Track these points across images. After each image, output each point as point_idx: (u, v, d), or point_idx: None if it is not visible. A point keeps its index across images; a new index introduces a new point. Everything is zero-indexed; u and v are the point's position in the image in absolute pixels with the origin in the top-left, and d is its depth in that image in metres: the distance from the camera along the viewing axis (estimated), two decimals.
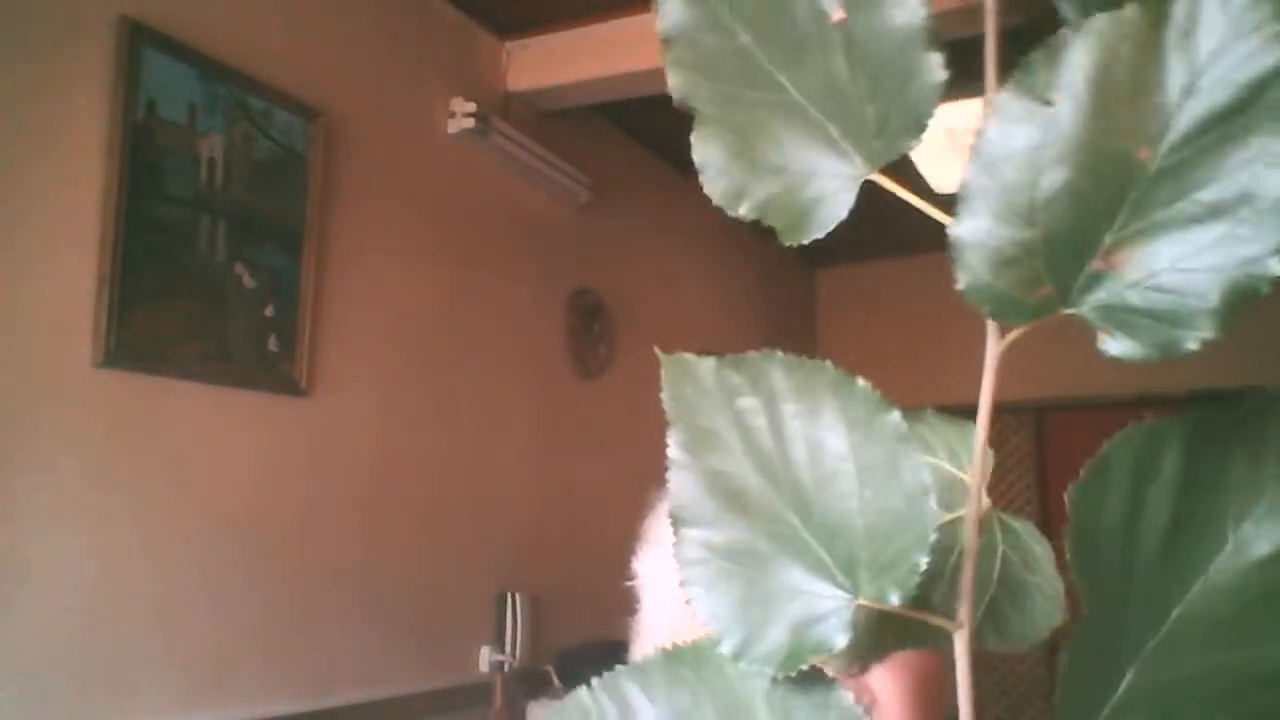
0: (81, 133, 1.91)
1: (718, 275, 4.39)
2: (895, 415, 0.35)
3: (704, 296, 4.25)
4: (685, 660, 0.38)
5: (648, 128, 3.67)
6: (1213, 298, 0.30)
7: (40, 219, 1.84)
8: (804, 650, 0.35)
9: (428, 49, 2.84)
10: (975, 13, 0.34)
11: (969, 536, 0.35)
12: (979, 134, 0.33)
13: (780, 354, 0.38)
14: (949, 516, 0.42)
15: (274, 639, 2.24)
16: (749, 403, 0.38)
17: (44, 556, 1.81)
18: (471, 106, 2.84)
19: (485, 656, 2.84)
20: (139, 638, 1.95)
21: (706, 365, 0.39)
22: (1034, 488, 4.68)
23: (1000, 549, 0.41)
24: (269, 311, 2.26)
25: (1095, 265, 0.32)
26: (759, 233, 4.97)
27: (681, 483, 0.38)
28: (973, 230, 0.33)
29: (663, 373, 0.40)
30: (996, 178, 0.32)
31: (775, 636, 0.36)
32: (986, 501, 0.41)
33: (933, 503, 0.34)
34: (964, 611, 0.35)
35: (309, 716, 2.29)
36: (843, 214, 0.36)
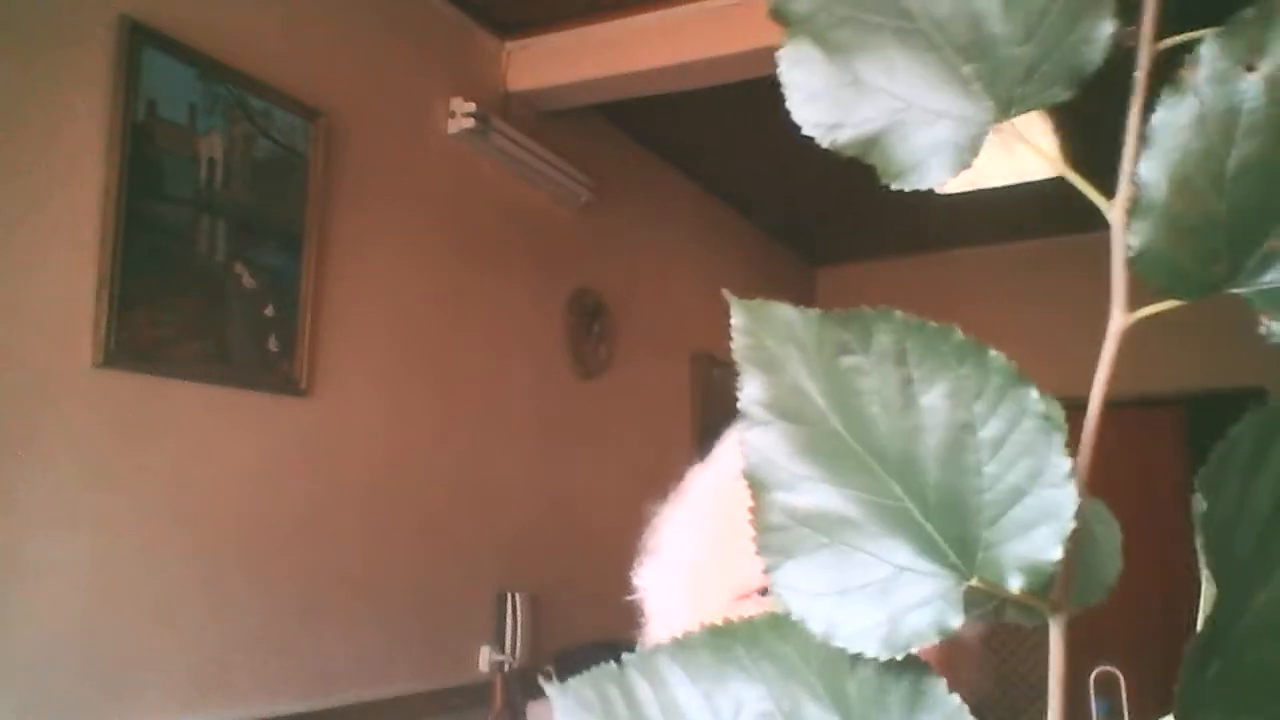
0: (81, 133, 1.91)
1: (718, 275, 4.39)
2: (1033, 391, 0.32)
3: (704, 296, 4.25)
4: (738, 637, 0.35)
5: (648, 128, 3.67)
6: None
7: (40, 219, 1.84)
8: (910, 632, 0.32)
9: (428, 49, 2.84)
10: None
11: (1066, 521, 0.33)
12: (1168, 92, 0.30)
13: (898, 313, 0.34)
14: None
15: (274, 639, 2.24)
16: (856, 361, 0.34)
17: (44, 556, 1.81)
18: (471, 106, 2.84)
19: (485, 656, 2.84)
20: (139, 638, 1.95)
21: (802, 316, 0.35)
22: None
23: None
24: (269, 311, 2.26)
25: (1271, 245, 0.30)
26: (763, 228, 4.95)
27: (760, 442, 0.34)
28: (1155, 194, 0.30)
29: (735, 319, 0.36)
30: (1186, 141, 0.30)
31: (872, 615, 0.32)
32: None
33: (1074, 490, 0.31)
34: (1059, 592, 0.32)
35: (309, 716, 2.29)
36: (967, 162, 0.32)
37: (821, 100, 0.34)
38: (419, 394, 2.72)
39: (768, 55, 0.34)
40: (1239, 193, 0.30)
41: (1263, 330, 0.30)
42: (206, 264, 2.13)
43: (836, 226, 4.83)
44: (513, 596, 2.85)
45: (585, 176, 3.30)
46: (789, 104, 0.33)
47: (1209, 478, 0.31)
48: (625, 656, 0.36)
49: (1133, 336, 0.32)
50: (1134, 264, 0.31)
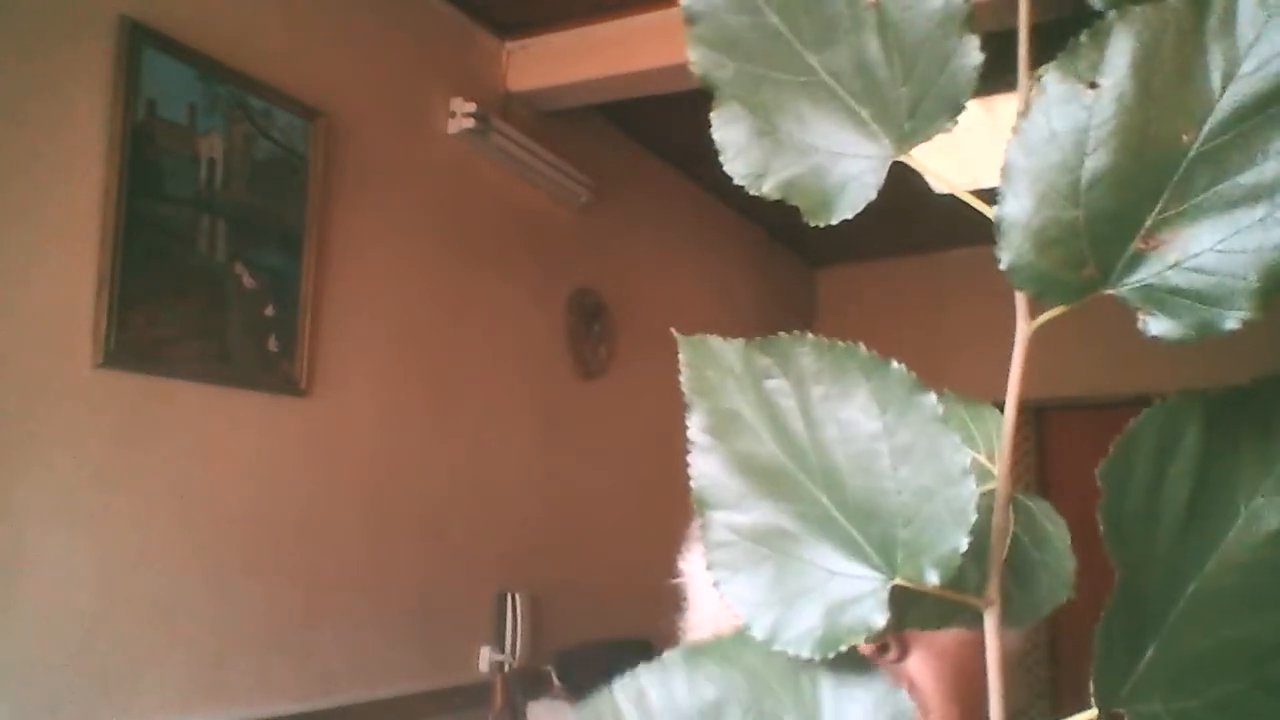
0: (81, 133, 1.91)
1: (718, 275, 4.39)
2: (931, 397, 0.35)
3: (704, 296, 4.25)
4: (709, 654, 0.38)
5: (648, 128, 3.67)
6: (1252, 278, 0.31)
7: (40, 219, 1.84)
8: (841, 632, 0.34)
9: (428, 49, 2.84)
10: (1004, 6, 0.35)
11: (997, 517, 0.35)
12: (1021, 116, 0.33)
13: (810, 336, 0.37)
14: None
15: (274, 639, 2.24)
16: (778, 384, 0.37)
17: (44, 556, 1.81)
18: (471, 106, 2.84)
19: (485, 656, 2.84)
20: (139, 638, 1.95)
21: (732, 347, 0.39)
22: (1034, 487, 4.68)
23: (1012, 530, 0.41)
24: (269, 311, 2.26)
25: (1137, 246, 0.32)
26: (763, 228, 4.95)
27: (705, 465, 0.38)
28: (1016, 210, 0.33)
29: (682, 355, 0.39)
30: (1041, 158, 0.33)
31: (808, 619, 0.35)
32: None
33: (972, 483, 0.34)
34: (993, 589, 0.35)
35: (309, 716, 2.29)
36: (871, 195, 0.36)
37: (747, 153, 0.38)
38: (419, 394, 2.72)
39: None
40: (1095, 201, 0.32)
41: (1141, 325, 0.32)
42: (206, 264, 2.13)
43: (836, 227, 4.79)
44: (513, 596, 2.85)
45: (585, 176, 3.30)
46: (721, 159, 0.37)
47: (1111, 469, 0.34)
48: (614, 683, 0.39)
49: (1132, 337, 0.33)
50: (1007, 275, 0.33)
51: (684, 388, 0.38)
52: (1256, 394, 0.34)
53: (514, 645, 2.82)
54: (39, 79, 1.85)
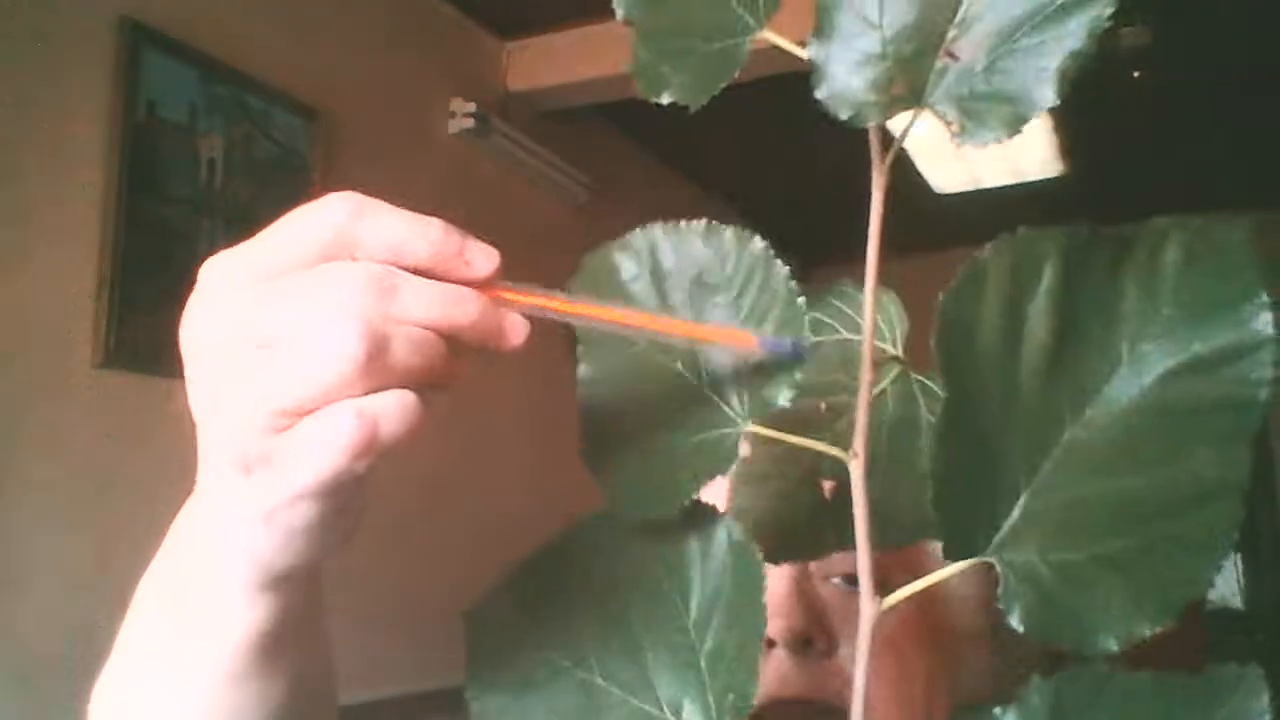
0: (82, 133, 1.91)
1: None
2: (761, 242, 0.39)
3: None
4: (580, 540, 0.43)
5: (648, 128, 3.67)
6: (1050, 65, 0.33)
7: (40, 219, 1.84)
8: (692, 480, 0.36)
9: (428, 49, 2.84)
10: None
11: (864, 370, 0.36)
12: None
13: (659, 224, 0.41)
14: (875, 390, 0.43)
15: None
16: (634, 274, 0.41)
17: (44, 556, 1.81)
18: (471, 106, 2.84)
19: None
20: None
21: (602, 254, 0.42)
22: None
23: (925, 420, 0.41)
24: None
25: (942, 59, 0.34)
26: (761, 228, 5.01)
27: (589, 387, 0.41)
28: (827, 42, 0.35)
29: (575, 287, 0.42)
30: None
31: (668, 481, 0.37)
32: (899, 357, 0.43)
33: (802, 302, 0.37)
34: (859, 442, 0.36)
35: None
36: (734, 71, 0.38)
37: (650, 72, 0.42)
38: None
39: (767, 56, 0.38)
40: (895, 19, 0.35)
41: (952, 137, 0.34)
42: None
43: (836, 227, 4.81)
44: None
45: (585, 176, 3.30)
46: (634, 81, 0.42)
47: (956, 300, 0.34)
48: (499, 586, 0.43)
49: None
50: (825, 104, 0.35)
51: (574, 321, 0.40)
52: (1137, 239, 0.33)
53: None
54: (39, 79, 1.85)
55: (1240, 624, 4.03)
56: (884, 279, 0.37)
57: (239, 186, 2.20)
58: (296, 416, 0.32)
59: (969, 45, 0.33)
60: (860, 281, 0.43)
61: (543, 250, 3.26)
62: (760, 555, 0.36)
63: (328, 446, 0.32)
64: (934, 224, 4.53)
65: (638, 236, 0.41)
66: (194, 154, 2.11)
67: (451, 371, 0.36)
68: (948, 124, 0.33)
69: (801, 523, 0.43)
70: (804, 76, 0.37)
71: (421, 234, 0.35)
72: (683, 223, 0.41)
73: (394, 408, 0.33)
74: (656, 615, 0.37)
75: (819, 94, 0.35)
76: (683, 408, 0.38)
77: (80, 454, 1.88)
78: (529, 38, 3.08)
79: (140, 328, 1.97)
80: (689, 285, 0.39)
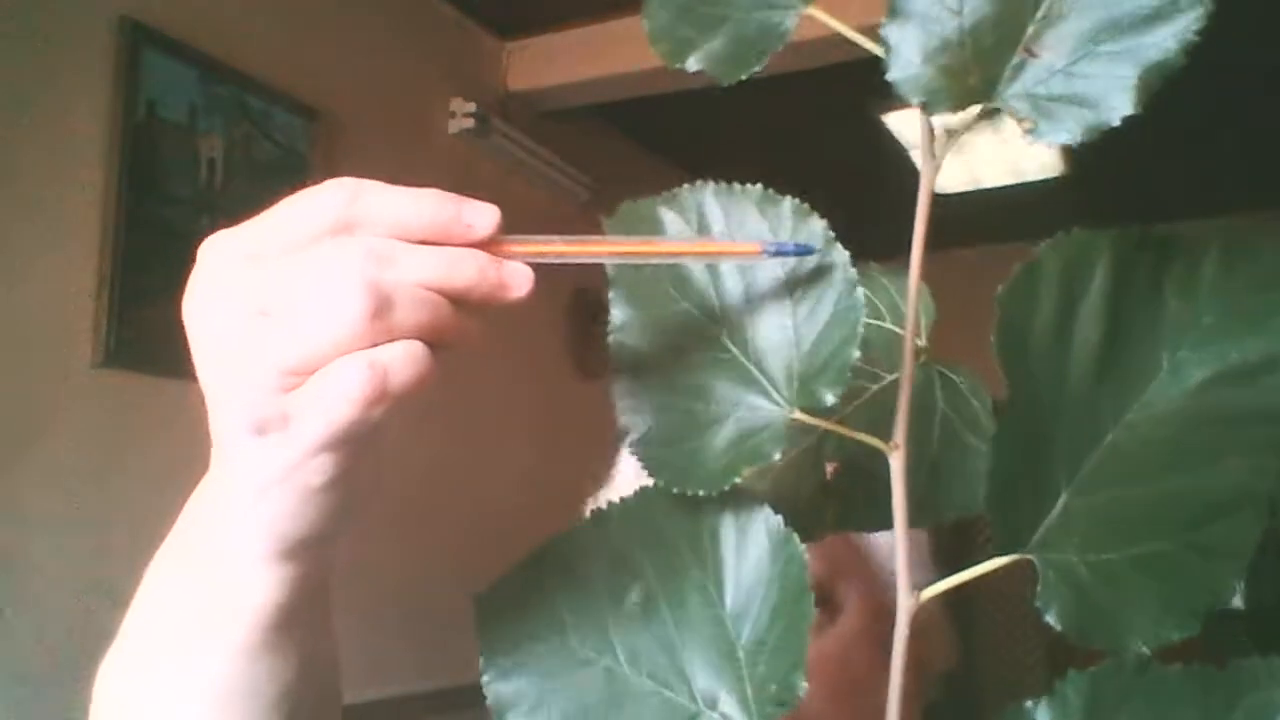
0: (81, 133, 1.91)
1: None
2: (820, 223, 0.37)
3: None
4: (617, 516, 0.40)
5: (648, 128, 3.67)
6: (1130, 75, 0.32)
7: (40, 219, 1.84)
8: (739, 461, 0.35)
9: (428, 49, 2.84)
10: None
11: (906, 360, 0.36)
12: None
13: (711, 184, 0.39)
14: (889, 378, 0.42)
15: None
16: (679, 231, 0.39)
17: (44, 556, 1.81)
18: (471, 106, 2.84)
19: None
20: None
21: (645, 206, 0.41)
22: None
23: (940, 409, 0.41)
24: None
25: (1020, 55, 0.33)
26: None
27: (623, 335, 0.40)
28: (903, 24, 0.34)
29: (608, 233, 0.41)
30: None
31: (709, 458, 0.36)
32: (924, 346, 0.42)
33: (859, 296, 0.35)
34: (900, 433, 0.35)
35: None
36: (778, 45, 0.37)
37: (672, 34, 0.40)
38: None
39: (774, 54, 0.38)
40: (977, 9, 0.34)
41: (1025, 135, 0.33)
42: None
43: (836, 226, 4.81)
44: None
45: (585, 176, 3.30)
46: (650, 44, 0.40)
47: (1013, 296, 0.33)
48: (525, 561, 0.41)
49: None
50: (897, 89, 0.34)
51: (606, 268, 0.41)
52: (1178, 245, 0.33)
53: None
54: (39, 79, 1.85)
55: (1241, 624, 4.03)
56: (858, 268, 0.38)
57: (239, 186, 2.20)
58: (305, 375, 0.33)
59: (1049, 43, 0.33)
60: (885, 269, 0.43)
61: None
62: (801, 546, 0.36)
63: (340, 396, 0.32)
64: (934, 224, 4.52)
65: (685, 193, 0.40)
66: (194, 154, 2.11)
67: (461, 329, 0.36)
68: (1020, 120, 0.33)
69: (801, 503, 0.42)
70: (807, 74, 0.37)
71: (418, 206, 0.35)
72: (737, 185, 0.39)
73: (402, 357, 0.33)
74: (688, 604, 0.37)
75: (890, 75, 0.34)
76: (725, 380, 0.37)
77: (80, 453, 1.88)
78: (529, 38, 3.08)
79: (140, 327, 1.97)
80: None
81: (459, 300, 0.35)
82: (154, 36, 2.02)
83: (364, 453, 0.36)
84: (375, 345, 0.33)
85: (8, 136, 1.80)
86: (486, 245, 0.36)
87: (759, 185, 0.38)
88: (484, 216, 0.36)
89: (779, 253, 0.36)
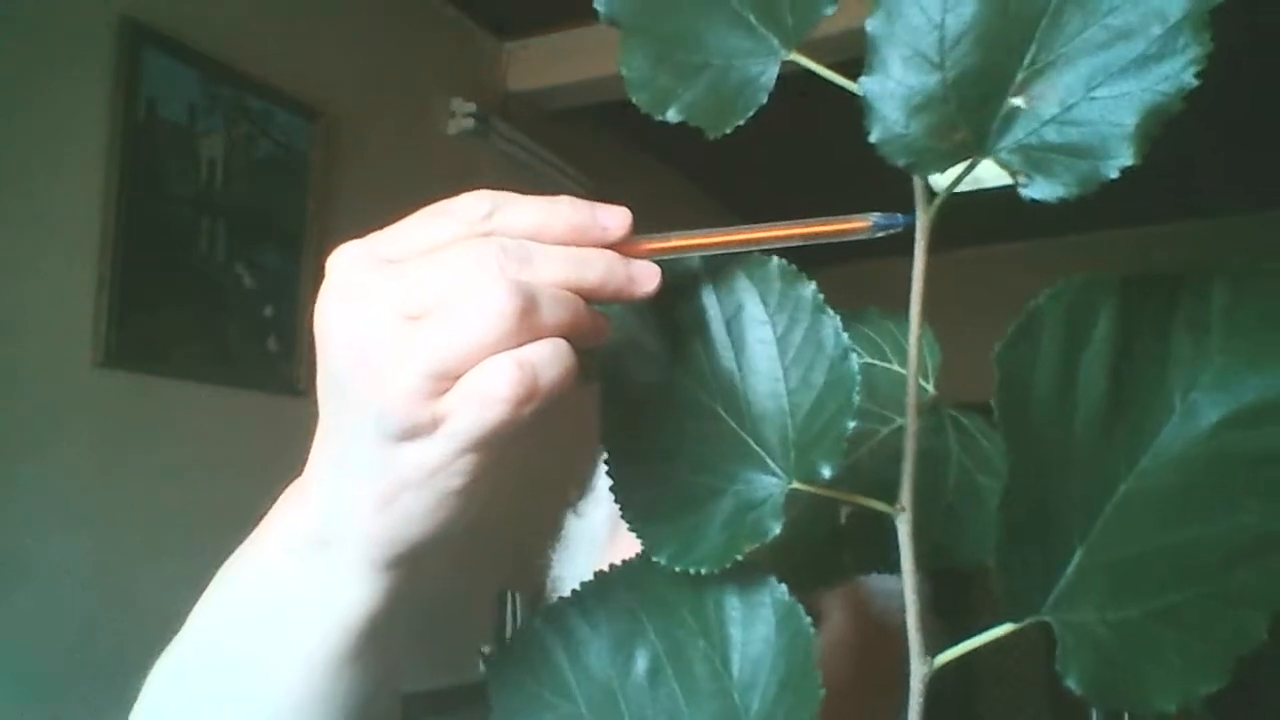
0: (81, 133, 1.91)
1: None
2: (810, 286, 0.36)
3: None
4: (619, 582, 0.38)
5: (648, 128, 3.64)
6: (1129, 122, 0.30)
7: (40, 219, 1.84)
8: (739, 540, 0.34)
9: (428, 49, 2.84)
10: None
11: (909, 414, 0.34)
12: None
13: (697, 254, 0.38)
14: (898, 422, 0.41)
15: None
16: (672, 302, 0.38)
17: (44, 556, 1.80)
18: (471, 106, 2.84)
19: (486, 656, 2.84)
20: (139, 638, 1.95)
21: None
22: None
23: (955, 453, 0.40)
24: (269, 312, 2.26)
25: (1010, 104, 0.31)
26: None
27: (615, 407, 0.39)
28: (882, 80, 0.32)
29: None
30: (903, 22, 0.32)
31: (708, 536, 0.35)
32: (933, 394, 0.40)
33: (854, 363, 0.34)
34: (905, 495, 0.34)
35: None
36: (762, 99, 0.35)
37: (651, 85, 0.39)
38: None
39: None
40: (960, 59, 0.31)
41: (1020, 190, 0.31)
42: (206, 264, 2.12)
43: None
44: (513, 596, 2.85)
45: (585, 177, 3.30)
46: (629, 92, 0.39)
47: (1012, 352, 0.32)
48: (534, 619, 0.40)
49: None
50: (878, 149, 0.32)
51: (600, 353, 0.39)
52: (1184, 284, 0.32)
53: None
54: (39, 80, 1.85)
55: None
56: (885, 279, 0.37)
57: (239, 186, 2.20)
58: (453, 380, 0.33)
59: (1040, 91, 0.31)
60: (885, 311, 0.42)
61: None
62: (809, 619, 0.35)
63: (493, 396, 0.33)
64: (934, 224, 4.52)
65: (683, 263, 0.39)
66: (194, 154, 2.11)
67: (596, 326, 0.36)
68: (1013, 174, 0.31)
69: (819, 548, 0.41)
70: (806, 77, 0.36)
71: (555, 211, 0.36)
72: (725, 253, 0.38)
73: (550, 355, 0.34)
74: (694, 674, 0.36)
75: (872, 137, 0.32)
76: (721, 451, 0.36)
77: (80, 453, 1.88)
78: (529, 38, 3.08)
79: (140, 327, 1.97)
80: (729, 316, 0.38)
81: (590, 298, 0.36)
82: (154, 36, 2.02)
83: (504, 454, 0.36)
84: (523, 343, 0.33)
85: (8, 136, 1.80)
86: (620, 246, 0.37)
87: (749, 253, 0.38)
88: (618, 220, 0.37)
89: (888, 226, 0.35)
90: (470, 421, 0.33)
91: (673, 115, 0.38)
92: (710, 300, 0.38)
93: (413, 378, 0.33)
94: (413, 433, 0.33)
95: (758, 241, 0.37)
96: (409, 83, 2.76)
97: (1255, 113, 3.30)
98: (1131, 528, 0.31)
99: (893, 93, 0.32)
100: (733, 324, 0.37)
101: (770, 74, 0.35)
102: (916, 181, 0.33)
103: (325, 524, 0.38)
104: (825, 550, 0.41)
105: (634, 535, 0.36)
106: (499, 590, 2.87)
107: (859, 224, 0.36)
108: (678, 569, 0.35)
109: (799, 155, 3.34)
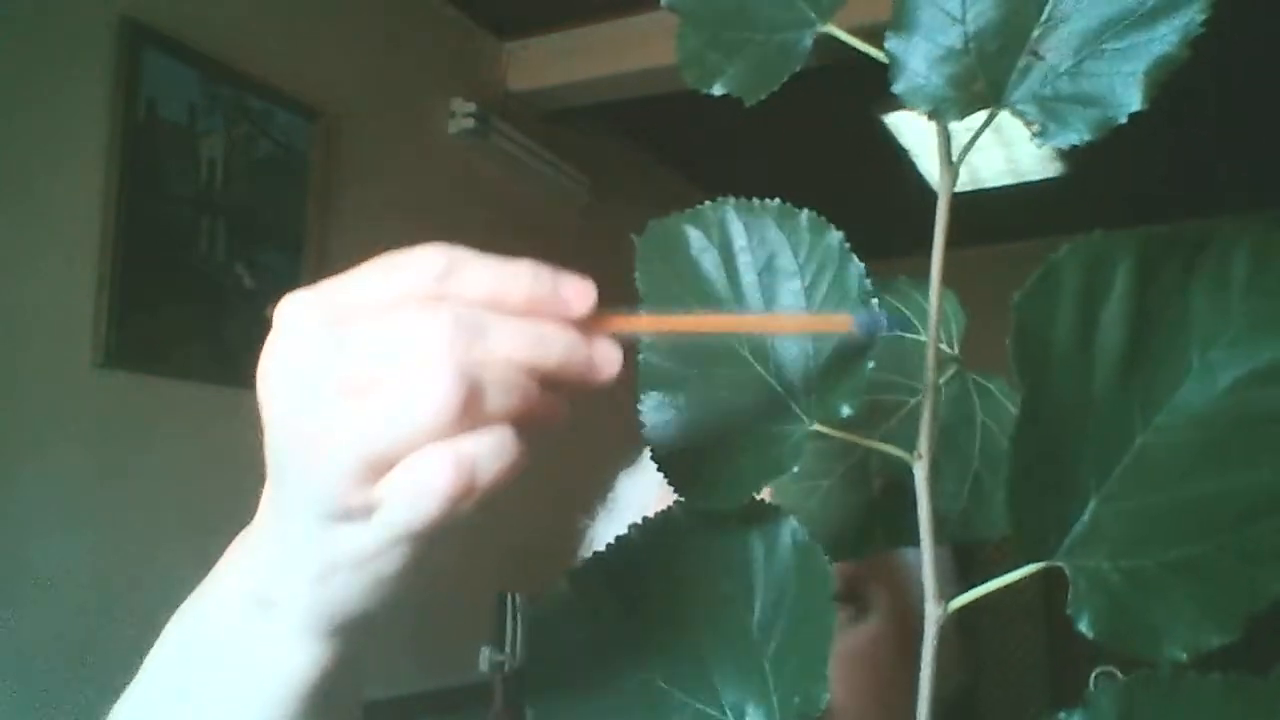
0: (82, 133, 1.91)
1: None
2: (838, 235, 0.38)
3: None
4: (646, 531, 0.40)
5: (648, 128, 3.67)
6: (1140, 70, 0.32)
7: (40, 219, 1.84)
8: (759, 476, 0.36)
9: (428, 49, 2.84)
10: None
11: (929, 370, 0.36)
12: None
13: (732, 199, 0.40)
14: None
15: None
16: (708, 254, 0.40)
17: (45, 556, 1.81)
18: (471, 106, 2.84)
19: (485, 656, 2.83)
20: (140, 638, 1.95)
21: (671, 223, 0.42)
22: None
23: (980, 420, 0.41)
24: (269, 311, 2.25)
25: (1025, 58, 0.33)
26: None
27: (649, 354, 0.40)
28: (908, 35, 0.35)
29: (640, 248, 0.42)
30: None
31: (731, 475, 0.36)
32: (956, 357, 0.42)
33: (876, 306, 0.36)
34: (923, 444, 0.35)
35: None
36: (795, 67, 0.38)
37: (701, 62, 0.40)
38: None
39: None
40: (980, 15, 0.34)
41: (1034, 138, 0.33)
42: (206, 264, 2.12)
43: (838, 226, 4.81)
44: (513, 596, 2.85)
45: (585, 177, 3.30)
46: (680, 69, 0.41)
47: (1030, 303, 0.33)
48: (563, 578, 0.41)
49: None
50: (903, 98, 0.34)
51: (638, 285, 0.41)
52: (1205, 245, 0.32)
53: (514, 645, 2.82)
54: (39, 79, 1.85)
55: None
56: (885, 279, 0.38)
57: (239, 186, 2.20)
58: (390, 464, 0.31)
59: (1054, 45, 0.33)
60: (911, 277, 0.43)
61: (543, 250, 3.26)
62: (826, 557, 0.35)
63: (427, 492, 0.31)
64: (932, 224, 4.52)
65: (708, 210, 0.40)
66: (194, 154, 2.11)
67: (548, 411, 0.34)
68: (1029, 123, 0.33)
69: (850, 520, 0.42)
70: (807, 77, 0.37)
71: (515, 280, 0.34)
72: (756, 200, 0.39)
73: (492, 449, 0.32)
74: (719, 617, 0.37)
75: (896, 88, 0.34)
76: (748, 396, 0.38)
77: (80, 453, 1.88)
78: (529, 38, 3.08)
79: (140, 327, 1.97)
80: (760, 268, 0.39)
81: (543, 380, 0.33)
82: (154, 36, 2.02)
83: (441, 542, 0.34)
84: (466, 430, 0.31)
85: (8, 137, 1.80)
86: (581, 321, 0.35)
87: (777, 200, 0.39)
88: (580, 295, 0.35)
89: (870, 326, 0.36)
90: (403, 514, 0.32)
91: (718, 88, 0.39)
92: (740, 244, 0.39)
93: (348, 460, 0.31)
94: (346, 516, 0.32)
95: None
96: (409, 83, 2.76)
97: (1257, 113, 3.30)
98: (1148, 480, 0.31)
99: (917, 47, 0.34)
100: (764, 274, 0.38)
101: (805, 43, 0.38)
102: (939, 133, 0.35)
103: (268, 586, 0.37)
104: (861, 522, 0.42)
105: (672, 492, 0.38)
106: (499, 591, 2.87)
107: (838, 323, 0.36)
108: (700, 507, 0.36)
109: (799, 156, 3.34)
